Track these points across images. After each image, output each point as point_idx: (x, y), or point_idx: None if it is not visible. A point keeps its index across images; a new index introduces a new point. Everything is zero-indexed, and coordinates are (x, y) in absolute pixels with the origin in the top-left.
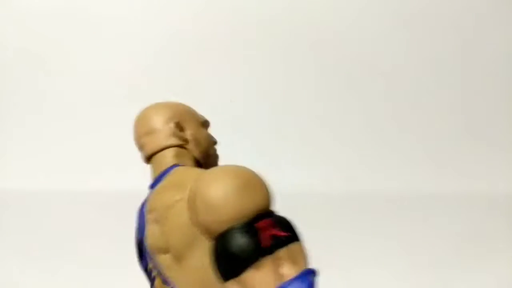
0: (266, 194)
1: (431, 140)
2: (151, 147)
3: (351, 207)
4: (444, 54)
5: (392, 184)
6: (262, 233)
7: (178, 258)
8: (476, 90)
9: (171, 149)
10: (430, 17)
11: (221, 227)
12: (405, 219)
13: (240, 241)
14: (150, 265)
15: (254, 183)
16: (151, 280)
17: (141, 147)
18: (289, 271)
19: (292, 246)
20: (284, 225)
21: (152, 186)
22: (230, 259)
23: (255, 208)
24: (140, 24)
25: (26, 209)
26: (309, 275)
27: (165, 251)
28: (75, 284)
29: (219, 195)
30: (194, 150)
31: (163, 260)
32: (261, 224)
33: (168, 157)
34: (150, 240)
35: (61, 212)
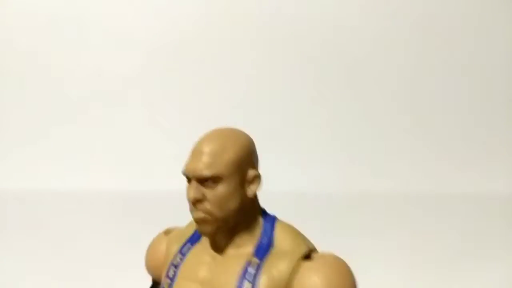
0: None
1: (431, 140)
2: None
3: (351, 207)
4: (445, 54)
5: (392, 184)
6: None
7: None
8: (476, 91)
9: None
10: (430, 19)
11: None
12: (405, 219)
13: None
14: None
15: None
16: None
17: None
18: None
19: None
20: None
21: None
22: None
23: None
24: (140, 24)
25: (26, 209)
26: None
27: None
28: (75, 284)
29: None
30: None
31: None
32: None
33: None
34: None
35: (61, 212)
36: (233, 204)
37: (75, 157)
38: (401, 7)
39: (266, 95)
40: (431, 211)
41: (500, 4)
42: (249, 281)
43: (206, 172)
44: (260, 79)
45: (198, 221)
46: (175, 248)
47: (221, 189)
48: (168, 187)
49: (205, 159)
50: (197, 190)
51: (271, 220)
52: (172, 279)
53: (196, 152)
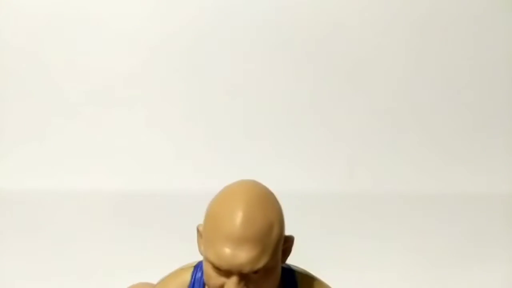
0: None
1: (431, 140)
2: None
3: (351, 207)
4: (445, 53)
5: (392, 184)
6: None
7: None
8: (475, 91)
9: None
10: (430, 18)
11: None
12: (405, 219)
13: None
14: None
15: None
16: None
17: None
18: None
19: None
20: None
21: None
22: None
23: None
24: (140, 24)
25: (26, 209)
26: None
27: None
28: (75, 284)
29: None
30: None
31: None
32: None
33: None
34: None
35: (61, 212)
36: (277, 282)
37: (75, 156)
38: (404, 6)
39: (267, 94)
40: (431, 211)
41: (501, 4)
42: None
43: (260, 265)
44: (262, 78)
45: None
46: None
47: (272, 275)
48: (168, 187)
49: (253, 248)
50: (243, 286)
51: (289, 272)
52: None
53: (234, 238)
